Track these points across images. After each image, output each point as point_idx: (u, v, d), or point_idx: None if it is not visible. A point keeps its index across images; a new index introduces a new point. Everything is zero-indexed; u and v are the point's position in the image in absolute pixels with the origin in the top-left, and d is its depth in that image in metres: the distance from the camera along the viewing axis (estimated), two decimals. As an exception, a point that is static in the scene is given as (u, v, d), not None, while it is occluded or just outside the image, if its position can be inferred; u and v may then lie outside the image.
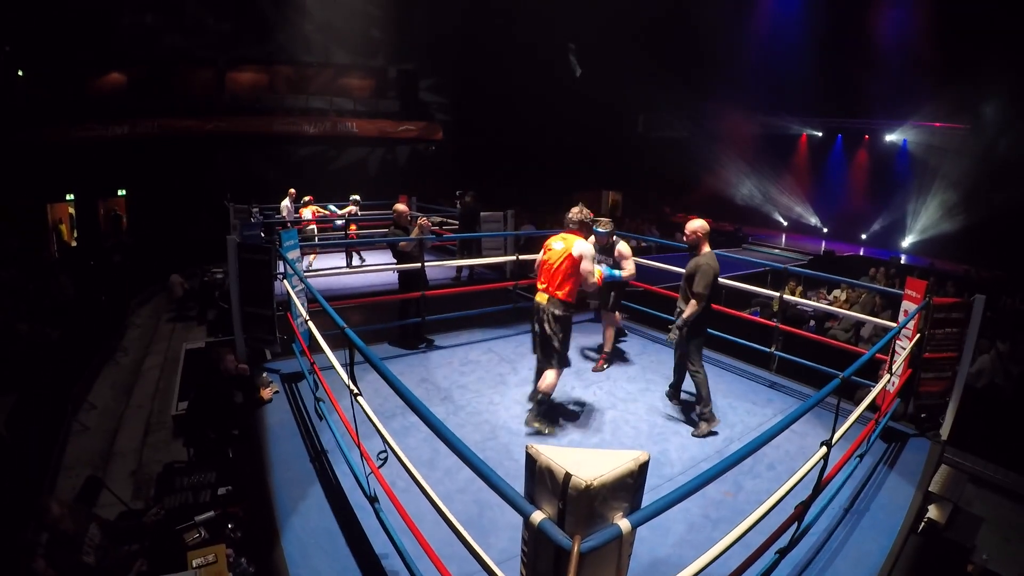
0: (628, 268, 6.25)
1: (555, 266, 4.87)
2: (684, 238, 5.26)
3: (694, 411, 5.31)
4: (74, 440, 7.18)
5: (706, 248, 5.11)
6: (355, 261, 12.45)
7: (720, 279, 5.40)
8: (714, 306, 5.48)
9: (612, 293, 6.48)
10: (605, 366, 6.56)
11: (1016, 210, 14.99)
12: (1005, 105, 15.78)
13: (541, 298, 4.96)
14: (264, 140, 19.27)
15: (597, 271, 5.30)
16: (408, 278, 7.08)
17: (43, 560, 3.46)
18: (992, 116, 16.28)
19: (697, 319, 5.01)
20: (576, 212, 5.04)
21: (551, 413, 5.25)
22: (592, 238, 5.68)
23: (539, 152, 21.95)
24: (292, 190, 13.22)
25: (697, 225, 5.14)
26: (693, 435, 5.13)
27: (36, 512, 3.84)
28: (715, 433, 5.14)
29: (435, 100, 22.93)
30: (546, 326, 4.91)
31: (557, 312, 4.87)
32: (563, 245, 4.89)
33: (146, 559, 3.76)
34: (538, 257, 5.19)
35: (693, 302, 4.95)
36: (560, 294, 4.86)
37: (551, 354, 4.96)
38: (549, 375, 5.00)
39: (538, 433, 5.01)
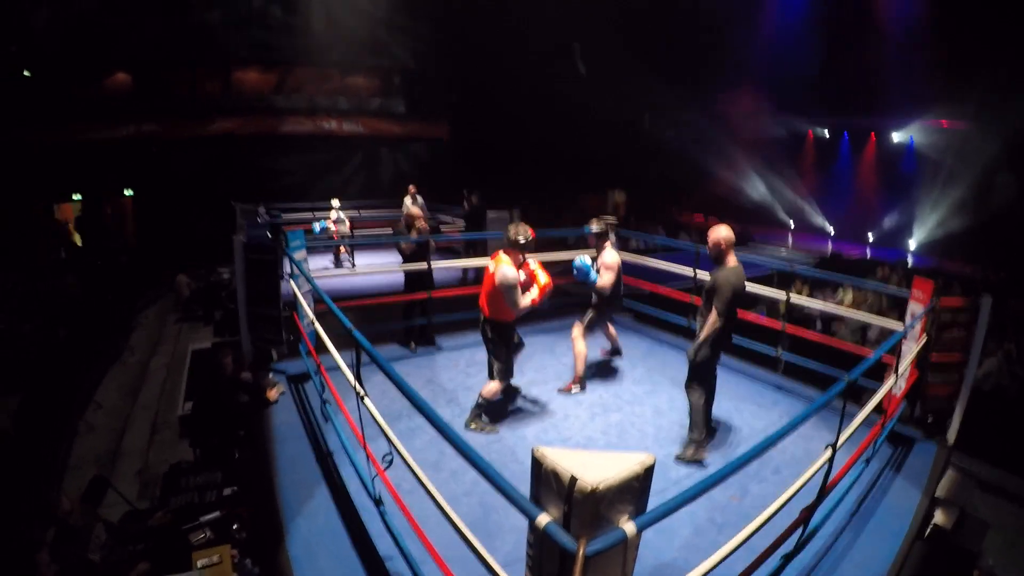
0: (602, 279, 5.72)
1: (486, 288, 4.95)
2: (707, 248, 4.66)
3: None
4: (80, 439, 7.21)
5: (731, 260, 4.54)
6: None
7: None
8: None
9: (589, 309, 5.99)
10: (575, 389, 5.92)
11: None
12: (1013, 102, 15.61)
13: (482, 312, 5.05)
14: (270, 140, 19.32)
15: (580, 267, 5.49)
16: (413, 279, 7.09)
17: (47, 554, 3.48)
18: (1000, 113, 16.11)
19: (714, 338, 4.54)
20: (512, 230, 4.81)
21: (490, 415, 5.23)
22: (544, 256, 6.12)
23: (545, 152, 21.89)
24: (412, 186, 13.03)
25: (719, 235, 4.53)
26: (676, 458, 4.71)
27: (46, 506, 3.87)
28: (700, 464, 4.61)
29: (441, 100, 22.91)
30: (487, 341, 5.06)
31: (492, 329, 4.98)
32: (492, 267, 4.86)
33: (151, 559, 3.78)
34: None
35: (711, 320, 4.44)
36: (492, 314, 4.95)
37: (495, 365, 5.10)
38: (492, 384, 5.11)
39: (475, 430, 5.07)
